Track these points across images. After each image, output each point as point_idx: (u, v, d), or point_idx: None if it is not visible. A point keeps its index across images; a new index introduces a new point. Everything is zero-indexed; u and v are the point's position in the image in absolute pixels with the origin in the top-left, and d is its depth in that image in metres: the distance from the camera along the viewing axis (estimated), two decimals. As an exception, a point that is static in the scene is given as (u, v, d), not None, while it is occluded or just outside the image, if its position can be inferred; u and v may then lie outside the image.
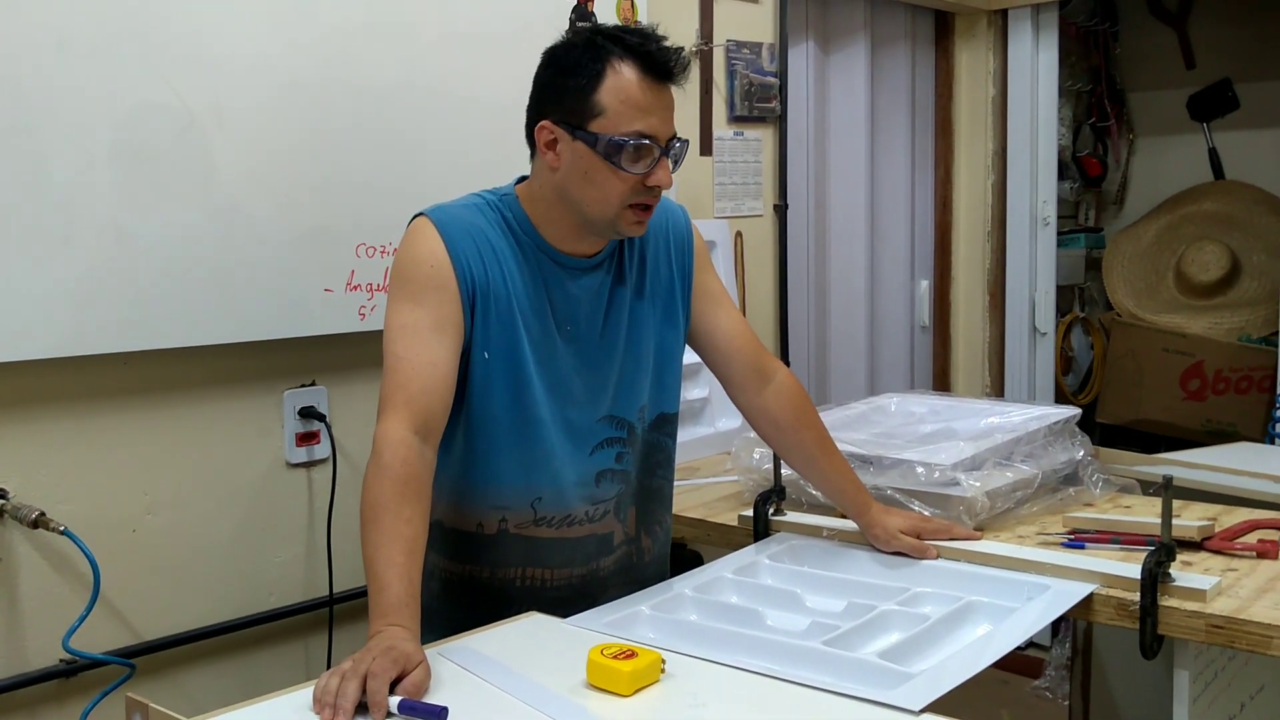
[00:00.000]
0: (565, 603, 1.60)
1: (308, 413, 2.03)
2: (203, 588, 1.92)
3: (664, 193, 1.56)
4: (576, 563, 1.63)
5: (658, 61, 1.48)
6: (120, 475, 1.82)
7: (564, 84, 1.50)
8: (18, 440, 1.71)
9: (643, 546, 1.72)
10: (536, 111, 1.54)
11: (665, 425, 1.72)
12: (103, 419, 1.79)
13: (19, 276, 1.65)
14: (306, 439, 2.04)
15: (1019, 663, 3.16)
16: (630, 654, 1.26)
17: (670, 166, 1.50)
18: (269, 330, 1.93)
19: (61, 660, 1.73)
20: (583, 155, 1.49)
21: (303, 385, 2.03)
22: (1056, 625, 2.66)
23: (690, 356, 1.79)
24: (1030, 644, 3.51)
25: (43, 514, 1.67)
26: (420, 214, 1.55)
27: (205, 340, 1.86)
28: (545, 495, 1.59)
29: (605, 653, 1.26)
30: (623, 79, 1.47)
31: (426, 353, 1.46)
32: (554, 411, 1.57)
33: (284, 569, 2.03)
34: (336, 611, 2.05)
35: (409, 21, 2.07)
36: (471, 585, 1.63)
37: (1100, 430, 4.35)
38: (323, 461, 2.06)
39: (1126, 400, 4.27)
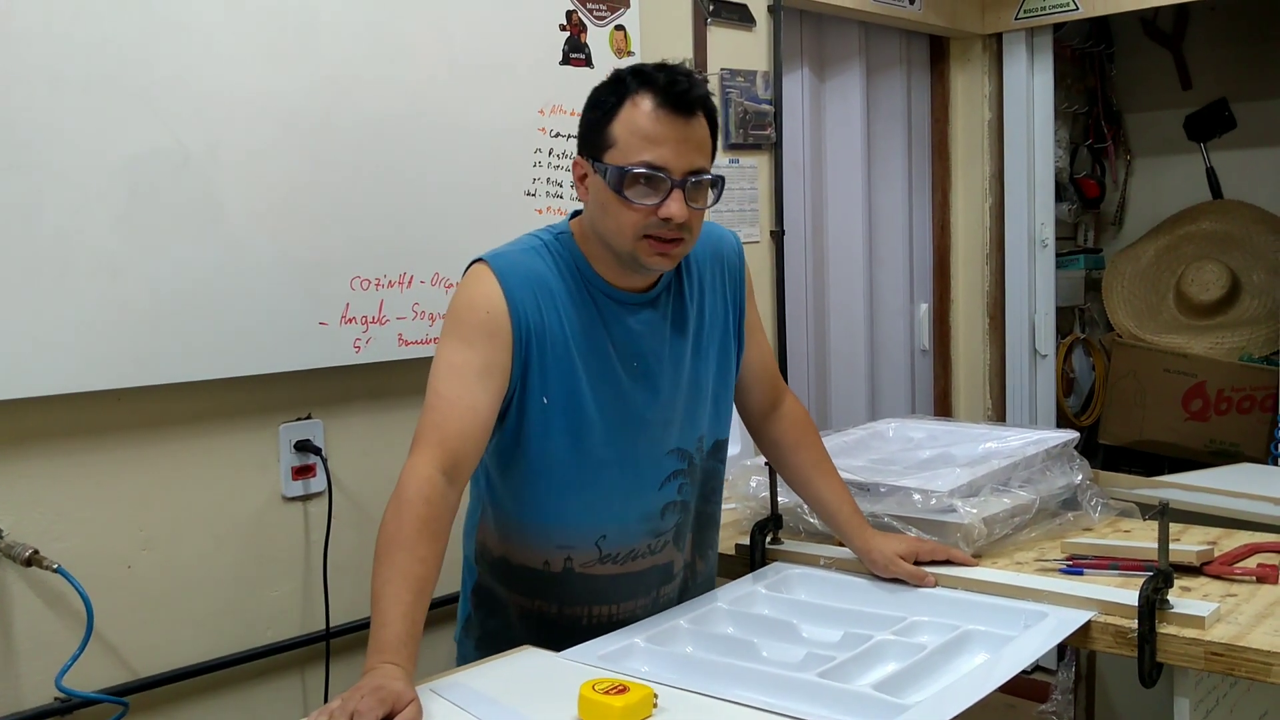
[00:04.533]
0: None
1: (303, 446, 2.02)
2: (199, 623, 1.91)
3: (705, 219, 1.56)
4: (640, 594, 1.65)
5: (671, 92, 1.46)
6: (115, 511, 1.81)
7: (589, 119, 1.53)
8: (11, 478, 1.70)
9: (697, 569, 1.75)
10: (578, 149, 1.57)
11: (719, 451, 1.74)
12: (97, 455, 1.79)
13: (12, 315, 1.65)
14: (302, 472, 2.03)
15: (1025, 687, 3.13)
16: (622, 689, 1.25)
17: (682, 199, 1.47)
18: (264, 364, 1.93)
19: (56, 698, 1.72)
20: (600, 188, 1.50)
21: (298, 419, 2.03)
22: (1062, 649, 2.64)
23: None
24: (1037, 668, 3.49)
25: (36, 552, 1.67)
26: (479, 259, 1.55)
27: (199, 375, 1.86)
28: (610, 533, 1.60)
29: (597, 688, 1.25)
30: (637, 111, 1.47)
31: (469, 396, 1.46)
32: (620, 450, 1.58)
33: (280, 603, 2.02)
34: (334, 645, 2.04)
35: (402, 56, 2.08)
36: (542, 619, 1.64)
37: (1103, 451, 4.34)
38: (319, 495, 2.06)
39: (1129, 421, 4.26)
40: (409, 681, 1.27)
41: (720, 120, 2.83)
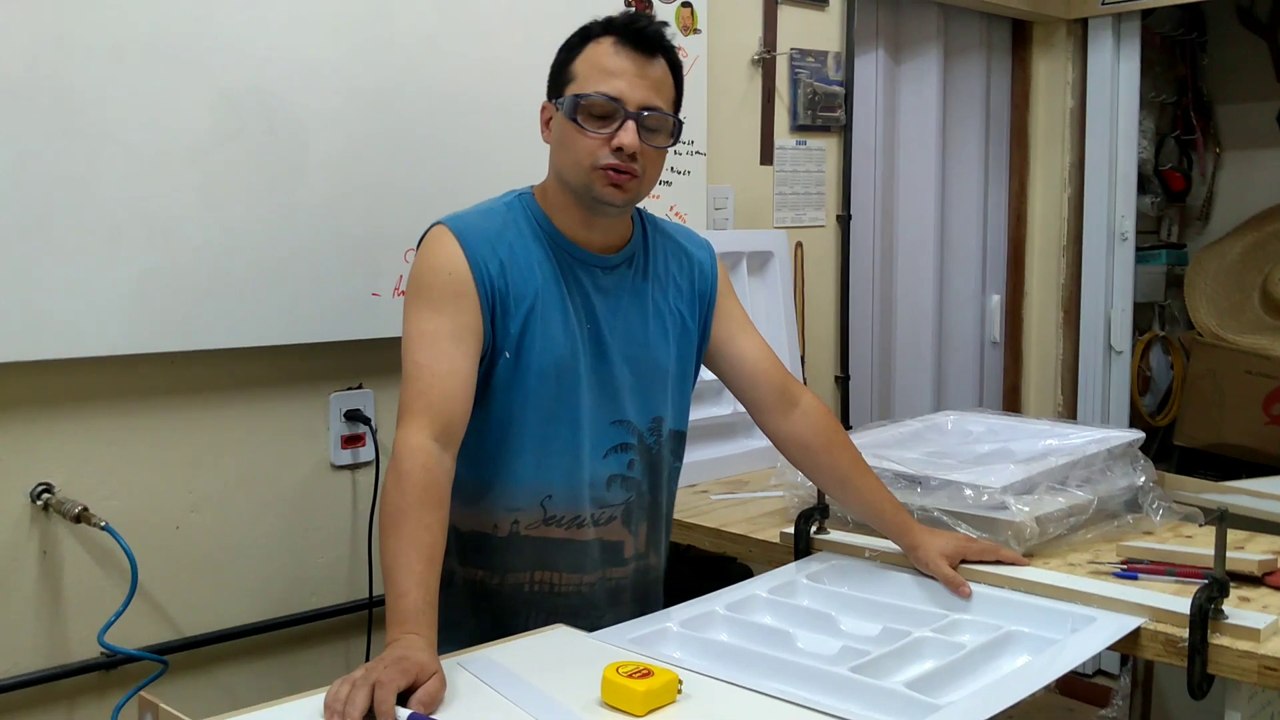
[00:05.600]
0: (574, 611, 1.59)
1: (353, 415, 2.04)
2: (245, 586, 1.94)
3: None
4: (585, 569, 1.62)
5: (630, 30, 1.52)
6: (165, 473, 1.84)
7: (556, 62, 1.58)
8: (65, 436, 1.74)
9: (650, 563, 1.71)
10: (547, 95, 1.60)
11: (677, 445, 1.72)
12: (149, 417, 1.82)
13: (70, 277, 1.68)
14: (351, 441, 2.05)
15: (1086, 690, 3.06)
16: (646, 673, 1.23)
17: (635, 130, 1.49)
18: (316, 333, 1.95)
19: (101, 654, 1.75)
20: (560, 122, 1.54)
21: (349, 388, 2.04)
22: (1125, 654, 2.57)
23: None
24: (1098, 671, 3.41)
25: (85, 509, 1.70)
26: (437, 223, 1.55)
27: (253, 342, 1.88)
28: (555, 493, 1.58)
29: (621, 671, 1.23)
30: (598, 48, 1.53)
31: (447, 360, 1.46)
32: (565, 408, 1.57)
33: (326, 570, 2.04)
34: (377, 614, 2.05)
35: (466, 29, 2.07)
36: (485, 591, 1.62)
37: (1179, 453, 4.21)
38: (367, 464, 2.07)
39: (1206, 423, 4.13)
40: (432, 652, 1.27)
41: (788, 101, 2.79)
